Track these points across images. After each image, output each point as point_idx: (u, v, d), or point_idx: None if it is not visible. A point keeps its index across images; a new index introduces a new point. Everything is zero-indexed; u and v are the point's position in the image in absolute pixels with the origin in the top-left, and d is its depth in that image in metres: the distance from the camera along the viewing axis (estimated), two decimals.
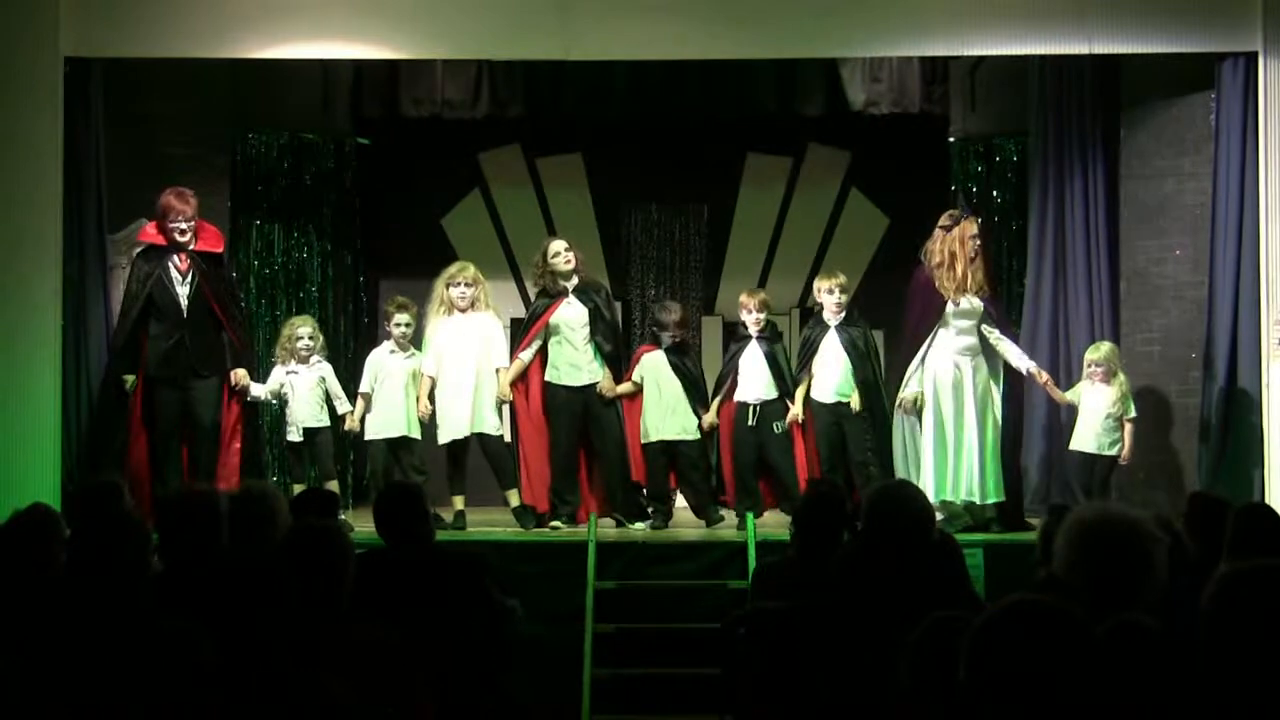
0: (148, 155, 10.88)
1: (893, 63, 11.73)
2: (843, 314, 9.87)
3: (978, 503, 9.48)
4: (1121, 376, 10.02)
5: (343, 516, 8.94)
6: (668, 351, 9.96)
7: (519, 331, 10.20)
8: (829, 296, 9.89)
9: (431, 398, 9.79)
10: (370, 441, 9.90)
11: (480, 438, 9.81)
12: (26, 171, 9.45)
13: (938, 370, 9.51)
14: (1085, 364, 10.07)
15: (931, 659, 3.32)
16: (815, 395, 9.83)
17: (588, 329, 9.88)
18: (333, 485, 9.55)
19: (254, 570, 4.69)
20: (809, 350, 9.89)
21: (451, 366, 9.74)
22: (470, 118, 12.05)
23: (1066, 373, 10.65)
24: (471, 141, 12.47)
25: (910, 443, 9.58)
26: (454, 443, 9.82)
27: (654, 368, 9.94)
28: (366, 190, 12.37)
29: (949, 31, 9.81)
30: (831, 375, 9.81)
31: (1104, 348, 10.07)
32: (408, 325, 9.88)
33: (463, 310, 9.79)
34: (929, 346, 9.53)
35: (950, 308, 9.51)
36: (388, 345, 9.96)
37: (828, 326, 9.88)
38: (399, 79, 11.98)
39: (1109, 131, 11.02)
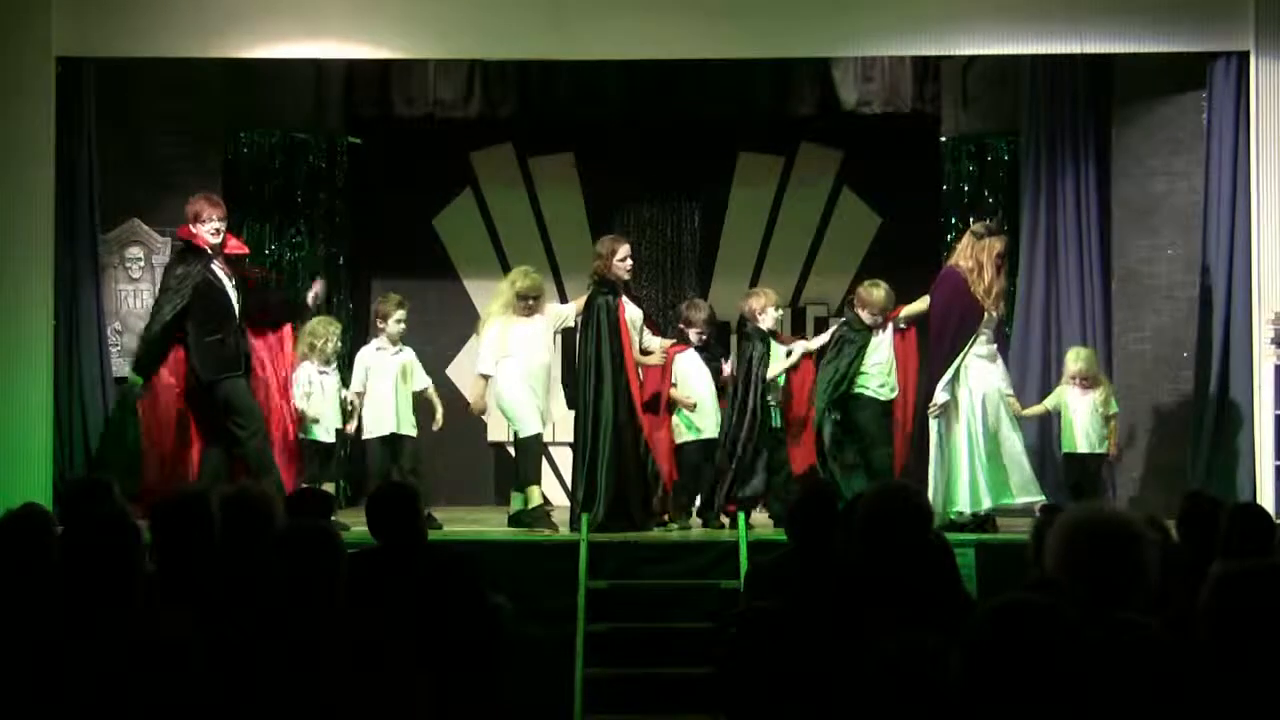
0: (140, 155, 10.89)
1: (885, 62, 11.73)
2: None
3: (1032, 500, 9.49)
4: (1103, 377, 10.01)
5: (335, 516, 8.95)
6: (699, 350, 9.98)
7: (591, 330, 9.72)
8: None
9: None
10: (367, 440, 9.91)
11: (534, 435, 9.86)
12: (18, 171, 9.45)
13: (984, 379, 9.46)
14: (1067, 373, 10.03)
15: (990, 651, 3.25)
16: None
17: (641, 331, 9.89)
18: (329, 486, 9.59)
19: (247, 570, 4.69)
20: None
21: (519, 367, 9.76)
22: (462, 117, 12.05)
23: (1058, 373, 10.65)
24: (463, 141, 12.46)
25: (949, 449, 9.49)
26: (526, 438, 9.84)
27: (688, 367, 9.94)
28: (358, 189, 12.36)
29: (941, 31, 9.82)
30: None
31: (1083, 356, 10.00)
32: (400, 321, 9.86)
33: (525, 316, 9.84)
34: (965, 355, 9.46)
35: (984, 317, 9.46)
36: (375, 343, 9.96)
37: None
38: (391, 78, 11.99)
39: (1101, 131, 11.04)
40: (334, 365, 9.88)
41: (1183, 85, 10.49)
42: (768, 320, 9.90)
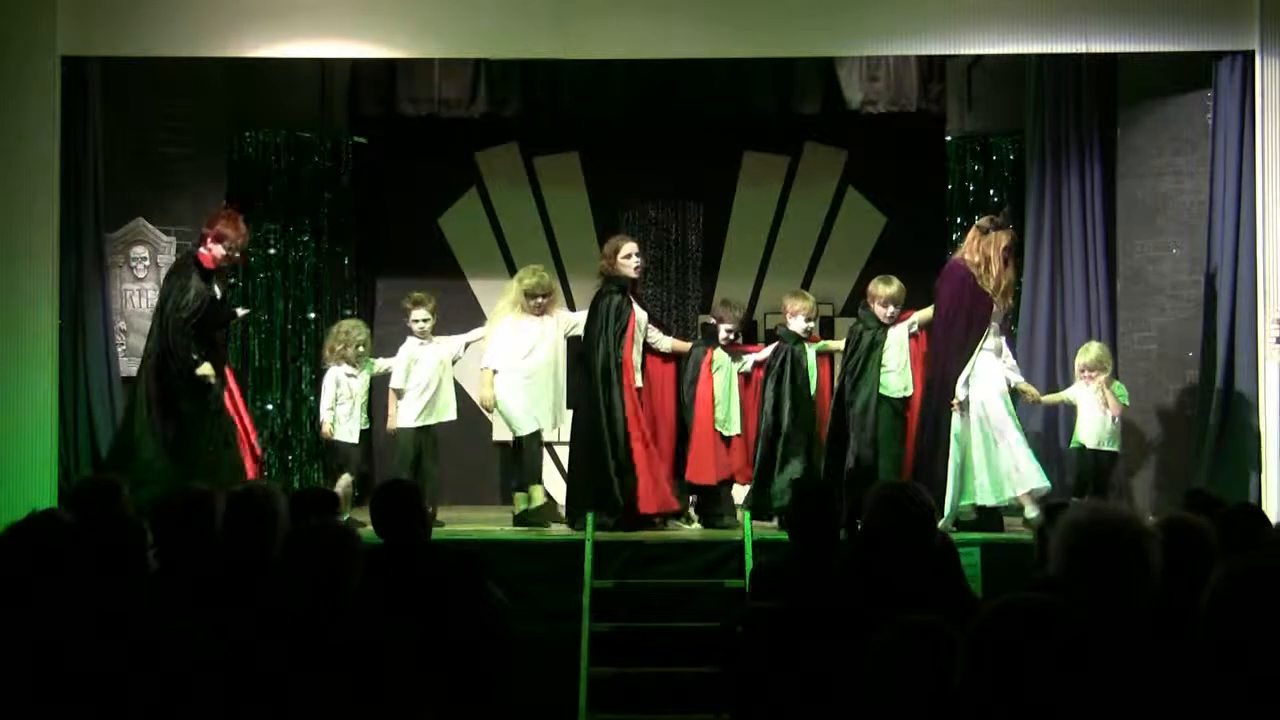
0: (144, 154, 10.89)
1: (890, 62, 11.73)
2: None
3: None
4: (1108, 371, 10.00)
5: (351, 514, 9.01)
6: (724, 348, 10.06)
7: (594, 328, 9.77)
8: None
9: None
10: (401, 429, 10.04)
11: (532, 435, 9.92)
12: (23, 171, 9.44)
13: (989, 374, 9.45)
14: (1077, 367, 10.03)
15: (903, 665, 3.32)
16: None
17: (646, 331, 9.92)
18: (346, 484, 9.83)
19: (250, 570, 4.69)
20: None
21: (524, 364, 9.86)
22: (467, 116, 12.05)
23: (1063, 371, 10.65)
24: (468, 140, 12.47)
25: (963, 443, 9.45)
26: (523, 438, 9.93)
27: (727, 364, 10.01)
28: (363, 189, 12.36)
29: (946, 30, 9.81)
30: None
31: (1093, 349, 10.02)
32: (424, 320, 10.02)
33: (536, 315, 9.92)
34: (979, 350, 9.43)
35: (993, 309, 9.45)
36: (414, 340, 10.12)
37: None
38: (396, 78, 11.98)
39: (1106, 130, 11.02)
40: (361, 367, 9.99)
41: (1188, 85, 10.48)
42: (796, 324, 9.94)
